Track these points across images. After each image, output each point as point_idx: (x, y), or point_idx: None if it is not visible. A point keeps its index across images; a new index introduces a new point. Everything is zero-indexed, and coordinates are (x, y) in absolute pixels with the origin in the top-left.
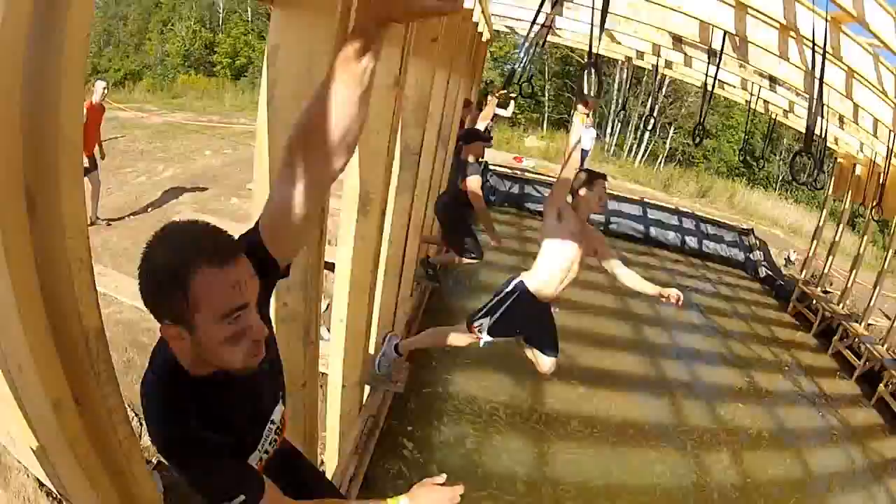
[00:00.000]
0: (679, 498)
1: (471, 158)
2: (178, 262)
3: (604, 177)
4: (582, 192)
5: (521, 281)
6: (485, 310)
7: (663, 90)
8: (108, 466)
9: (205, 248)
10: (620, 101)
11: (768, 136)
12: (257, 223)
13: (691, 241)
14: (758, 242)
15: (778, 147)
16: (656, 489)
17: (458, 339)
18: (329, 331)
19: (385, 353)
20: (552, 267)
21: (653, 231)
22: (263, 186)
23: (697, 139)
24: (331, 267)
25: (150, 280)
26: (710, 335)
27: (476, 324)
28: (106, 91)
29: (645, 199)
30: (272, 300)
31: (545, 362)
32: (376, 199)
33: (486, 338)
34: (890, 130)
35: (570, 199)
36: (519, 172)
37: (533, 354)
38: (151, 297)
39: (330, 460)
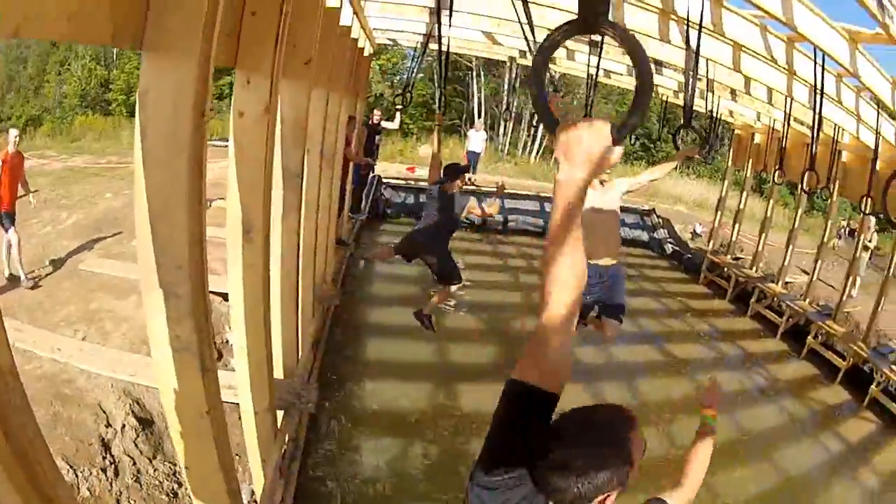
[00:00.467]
0: None
1: (456, 189)
2: None
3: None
4: None
5: None
6: None
7: (554, 84)
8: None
9: None
10: (508, 101)
11: (662, 118)
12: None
13: None
14: (660, 221)
15: (674, 127)
16: None
17: None
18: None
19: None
20: None
21: None
22: (144, 226)
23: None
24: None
25: None
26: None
27: None
28: (17, 139)
29: (541, 194)
30: (166, 332)
31: None
32: (258, 226)
33: None
34: (785, 97)
35: None
36: (413, 182)
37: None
38: None
39: (257, 487)
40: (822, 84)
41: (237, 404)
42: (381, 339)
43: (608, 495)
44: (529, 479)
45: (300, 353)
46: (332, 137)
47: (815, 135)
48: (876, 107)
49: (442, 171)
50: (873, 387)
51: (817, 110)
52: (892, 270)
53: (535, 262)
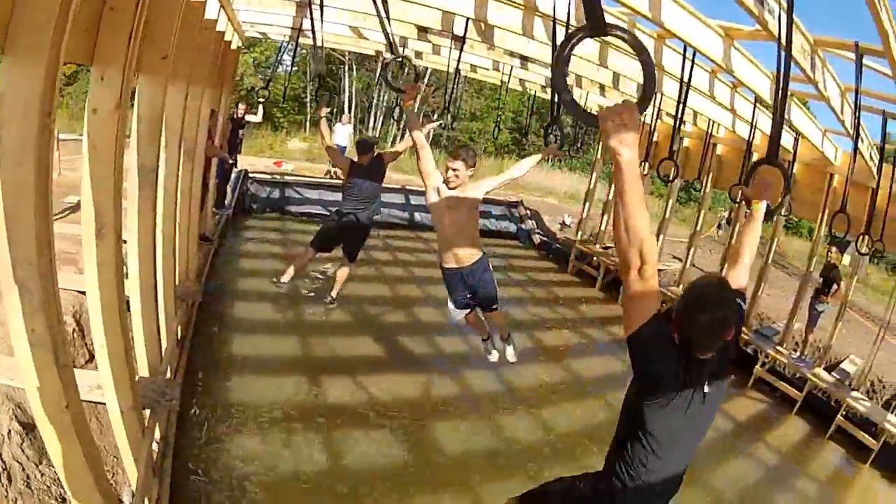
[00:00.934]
0: (487, 462)
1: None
2: None
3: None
4: None
5: None
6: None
7: (425, 79)
8: None
9: None
10: (378, 94)
11: (530, 113)
12: None
13: None
14: (528, 212)
15: (545, 120)
16: (466, 457)
17: None
18: None
19: None
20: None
21: (417, 216)
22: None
23: (451, 120)
24: None
25: None
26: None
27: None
28: None
29: (406, 187)
30: (23, 328)
31: None
32: (109, 223)
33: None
34: (654, 92)
35: None
36: (279, 177)
37: None
38: None
39: (130, 485)
40: (690, 79)
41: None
42: (247, 334)
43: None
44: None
45: (164, 351)
46: (193, 132)
47: (677, 127)
48: (752, 101)
49: (356, 147)
50: (758, 367)
51: (681, 105)
52: (770, 257)
53: (402, 254)
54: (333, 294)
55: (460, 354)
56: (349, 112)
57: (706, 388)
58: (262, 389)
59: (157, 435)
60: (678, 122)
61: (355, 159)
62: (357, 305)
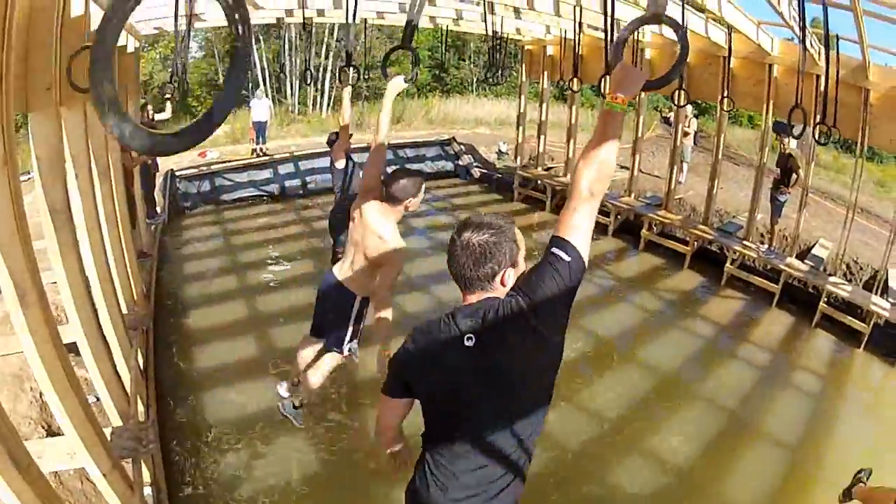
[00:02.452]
0: None
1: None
2: None
3: None
4: None
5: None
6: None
7: (335, 35)
8: None
9: None
10: (291, 60)
11: (444, 48)
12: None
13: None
14: (462, 147)
15: (465, 52)
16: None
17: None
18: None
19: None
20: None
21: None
22: None
23: (346, 71)
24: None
25: None
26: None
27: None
28: None
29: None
30: None
31: None
32: (30, 287)
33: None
34: (574, 6)
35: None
36: (206, 168)
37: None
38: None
39: None
40: None
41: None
42: (209, 346)
43: (505, 271)
44: None
45: (129, 392)
46: (102, 151)
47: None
48: (680, 2)
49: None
50: (728, 265)
51: (609, 14)
52: (720, 152)
53: None
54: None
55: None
56: (259, 86)
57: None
58: (239, 400)
59: (147, 480)
60: (608, 35)
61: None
62: (306, 283)
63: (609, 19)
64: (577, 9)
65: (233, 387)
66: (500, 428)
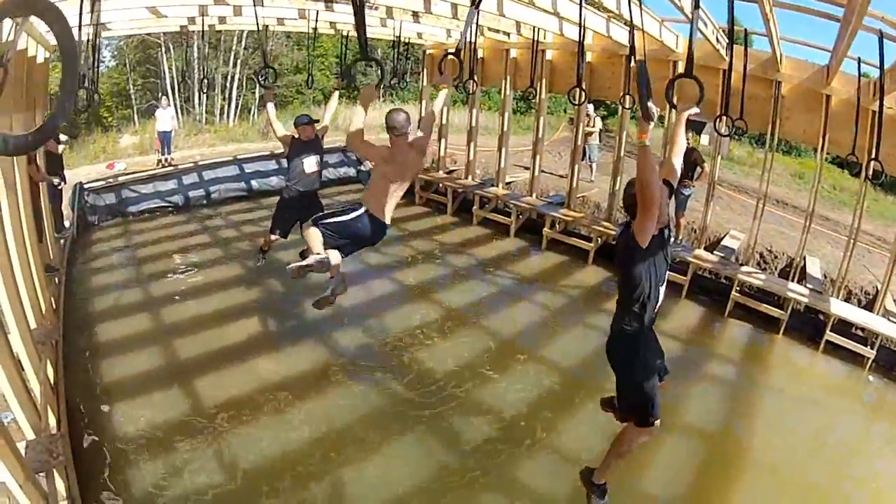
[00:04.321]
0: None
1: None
2: None
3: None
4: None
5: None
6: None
7: (243, 43)
8: None
9: None
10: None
11: (343, 54)
12: None
13: None
14: None
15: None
16: (365, 424)
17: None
18: None
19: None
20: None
21: (255, 184)
22: None
23: (263, 79)
24: None
25: None
26: (355, 253)
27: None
28: None
29: (238, 156)
30: None
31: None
32: None
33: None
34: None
35: None
36: (113, 180)
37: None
38: None
39: None
40: None
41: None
42: (119, 357)
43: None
44: None
45: (39, 406)
46: (8, 163)
47: (472, 46)
48: (577, 1)
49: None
50: None
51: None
52: (623, 150)
53: (246, 227)
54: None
55: (334, 316)
56: (171, 94)
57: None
58: (151, 410)
59: (62, 493)
60: (471, 41)
61: (296, 135)
62: (215, 292)
63: (514, 24)
64: (477, 12)
65: (144, 396)
66: None
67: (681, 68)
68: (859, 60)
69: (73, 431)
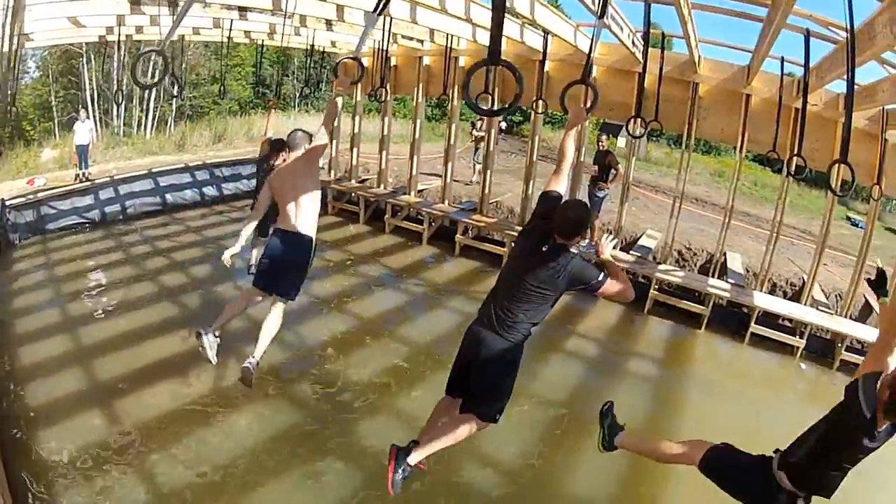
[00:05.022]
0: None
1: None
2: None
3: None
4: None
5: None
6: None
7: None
8: None
9: None
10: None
11: (258, 65)
12: None
13: (211, 191)
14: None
15: (289, 68)
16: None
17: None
18: None
19: None
20: None
21: (169, 198)
22: None
23: (177, 89)
24: None
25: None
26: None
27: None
28: None
29: (153, 170)
30: None
31: None
32: None
33: None
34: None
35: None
36: (33, 197)
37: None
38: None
39: None
40: None
41: None
42: (41, 379)
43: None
44: None
45: None
46: None
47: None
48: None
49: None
50: None
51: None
52: (535, 155)
53: (161, 243)
54: None
55: (250, 332)
56: (90, 106)
57: None
58: (73, 431)
59: None
60: (384, 49)
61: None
62: (134, 310)
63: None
64: (388, 20)
65: (65, 422)
66: None
67: (594, 73)
68: (782, 59)
69: None
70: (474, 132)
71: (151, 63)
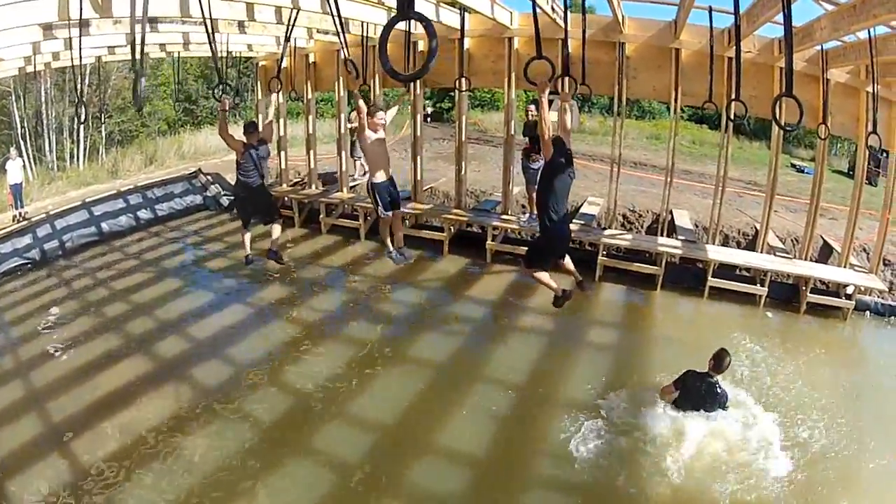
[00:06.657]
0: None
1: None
2: None
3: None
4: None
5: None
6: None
7: (86, 80)
8: None
9: None
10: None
11: (176, 75)
12: None
13: (145, 214)
14: (209, 178)
15: (212, 82)
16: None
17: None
18: None
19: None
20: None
21: (105, 226)
22: None
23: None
24: None
25: None
26: (209, 281)
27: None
28: None
29: (85, 199)
30: None
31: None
32: None
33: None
34: (292, 9)
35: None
36: None
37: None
38: None
39: None
40: None
41: None
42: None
43: None
44: None
45: None
46: None
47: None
48: None
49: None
50: (489, 242)
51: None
52: (464, 134)
53: (106, 271)
54: (276, 249)
55: (189, 352)
56: (23, 143)
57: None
58: (31, 477)
59: None
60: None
61: (245, 140)
62: (82, 350)
63: (337, 21)
64: (294, 12)
65: (22, 470)
66: None
67: (517, 44)
68: (710, 9)
69: None
70: (349, 124)
71: (79, 93)
